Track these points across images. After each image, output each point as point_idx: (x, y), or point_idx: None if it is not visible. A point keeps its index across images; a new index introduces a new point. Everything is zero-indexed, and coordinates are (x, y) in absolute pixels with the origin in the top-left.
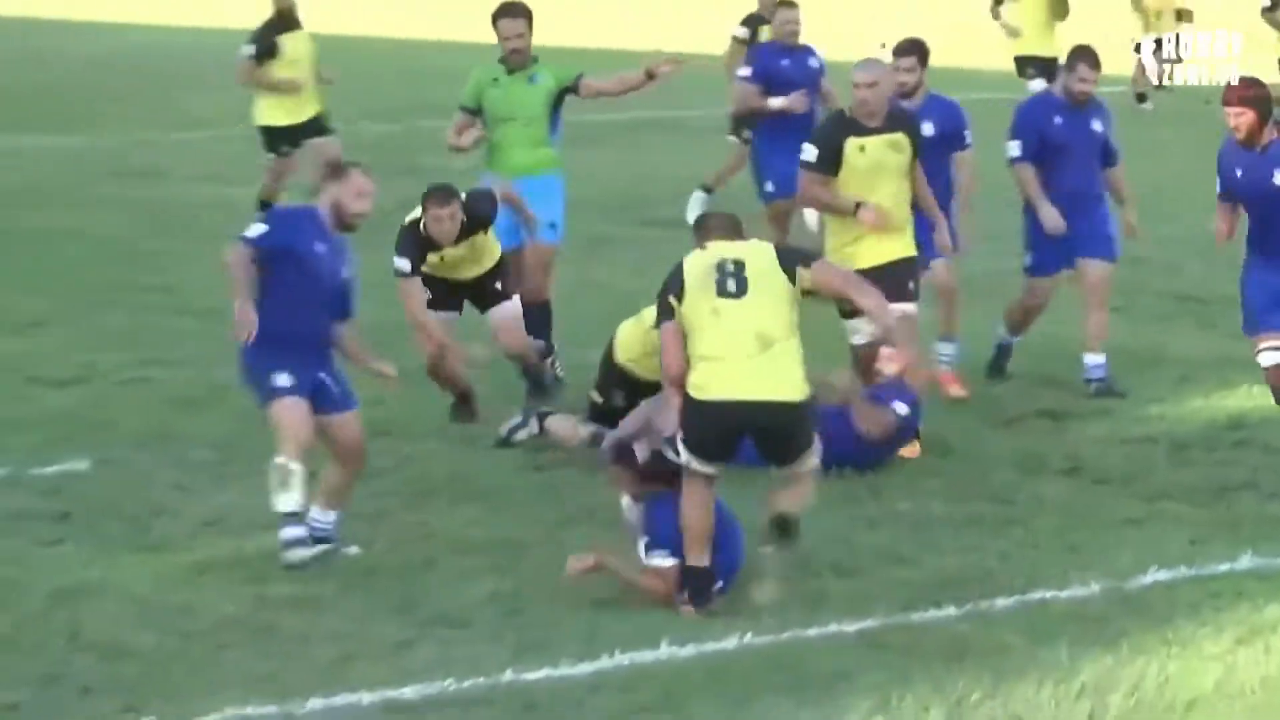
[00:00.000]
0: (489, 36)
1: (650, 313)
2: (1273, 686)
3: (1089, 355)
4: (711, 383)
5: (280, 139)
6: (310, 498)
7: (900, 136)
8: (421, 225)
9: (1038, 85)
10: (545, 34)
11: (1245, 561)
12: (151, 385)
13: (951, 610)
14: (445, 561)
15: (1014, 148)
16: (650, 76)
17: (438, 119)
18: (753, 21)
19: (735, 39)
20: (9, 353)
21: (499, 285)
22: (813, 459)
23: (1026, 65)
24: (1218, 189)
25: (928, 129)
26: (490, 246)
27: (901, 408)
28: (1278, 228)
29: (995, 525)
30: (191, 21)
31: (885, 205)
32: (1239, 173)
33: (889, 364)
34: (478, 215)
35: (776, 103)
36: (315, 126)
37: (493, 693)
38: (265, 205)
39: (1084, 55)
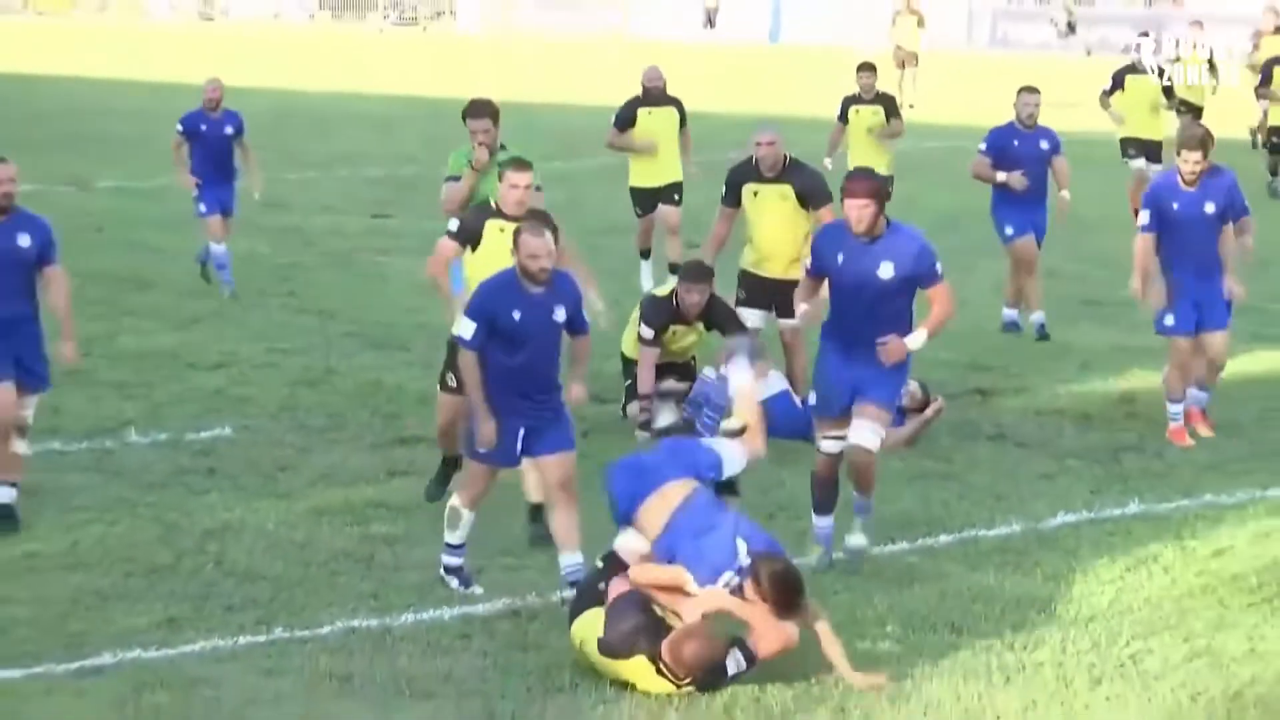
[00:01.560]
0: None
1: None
2: (1154, 604)
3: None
4: None
5: (635, 200)
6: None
7: (787, 188)
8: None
9: (1138, 164)
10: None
11: (1133, 507)
12: (279, 369)
13: (904, 545)
14: (505, 507)
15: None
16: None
17: None
18: (846, 104)
19: (838, 118)
20: (172, 344)
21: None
22: None
23: (1128, 146)
24: (809, 267)
25: (1209, 207)
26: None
27: None
28: (865, 317)
29: (938, 479)
30: (308, 87)
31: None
32: (841, 258)
33: None
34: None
35: (1000, 176)
36: (666, 194)
37: (544, 610)
38: (645, 253)
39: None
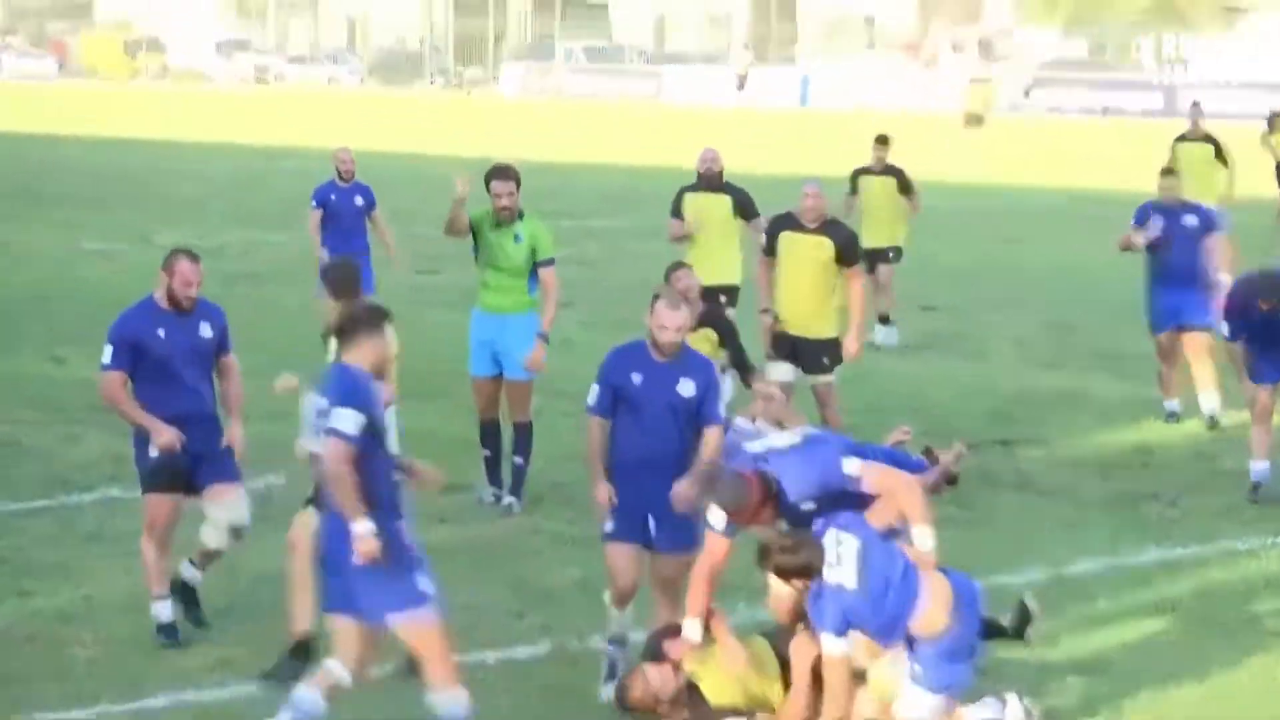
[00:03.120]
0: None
1: None
2: (1172, 646)
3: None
4: None
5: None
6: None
7: (826, 240)
8: None
9: None
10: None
11: (1152, 554)
12: None
13: None
14: (548, 551)
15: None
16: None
17: None
18: (855, 175)
19: (848, 191)
20: None
21: None
22: None
23: None
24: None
25: None
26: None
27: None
28: None
29: (962, 525)
30: (357, 147)
31: (803, 292)
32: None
33: None
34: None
35: (1135, 238)
36: (714, 298)
37: (583, 655)
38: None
39: None
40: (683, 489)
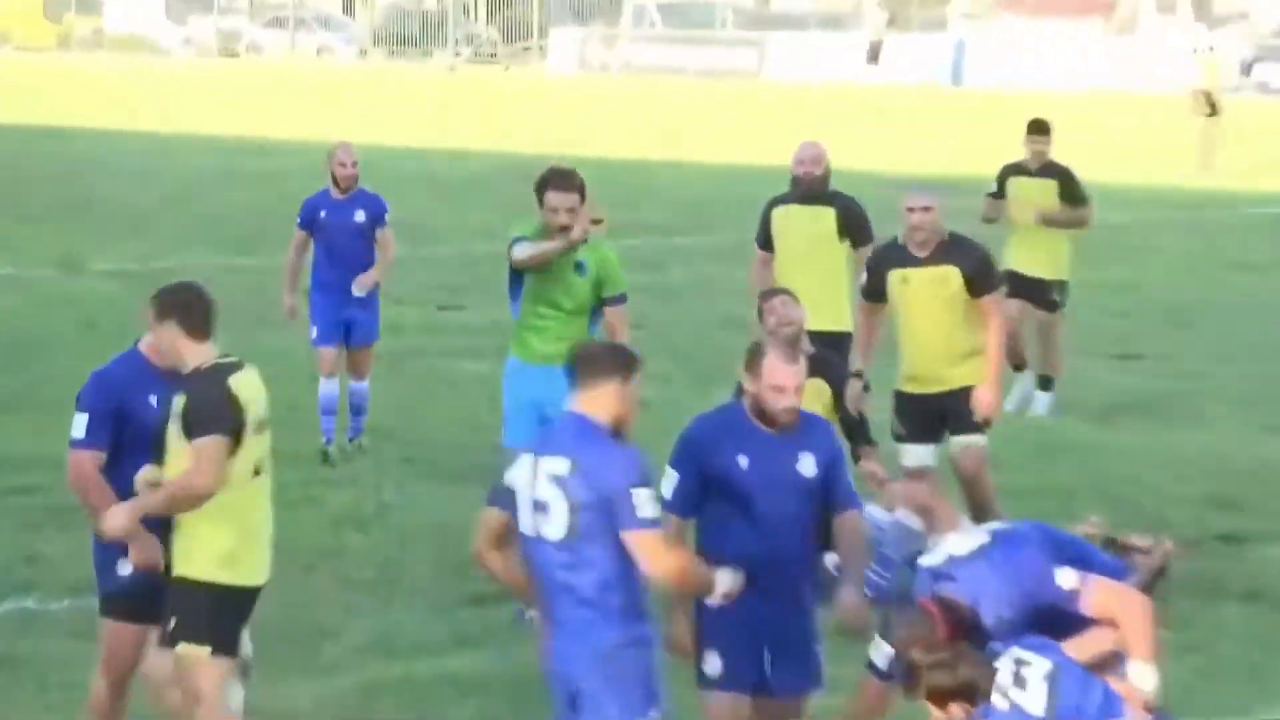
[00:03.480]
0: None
1: None
2: None
3: None
4: None
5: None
6: None
7: (951, 270)
8: None
9: None
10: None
11: None
12: (320, 505)
13: None
14: None
15: None
16: None
17: None
18: (1004, 175)
19: (990, 193)
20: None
21: None
22: None
23: None
24: None
25: None
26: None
27: None
28: None
29: (1175, 652)
30: (356, 140)
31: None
32: None
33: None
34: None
35: None
36: (822, 350)
37: None
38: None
39: None
40: (854, 600)
